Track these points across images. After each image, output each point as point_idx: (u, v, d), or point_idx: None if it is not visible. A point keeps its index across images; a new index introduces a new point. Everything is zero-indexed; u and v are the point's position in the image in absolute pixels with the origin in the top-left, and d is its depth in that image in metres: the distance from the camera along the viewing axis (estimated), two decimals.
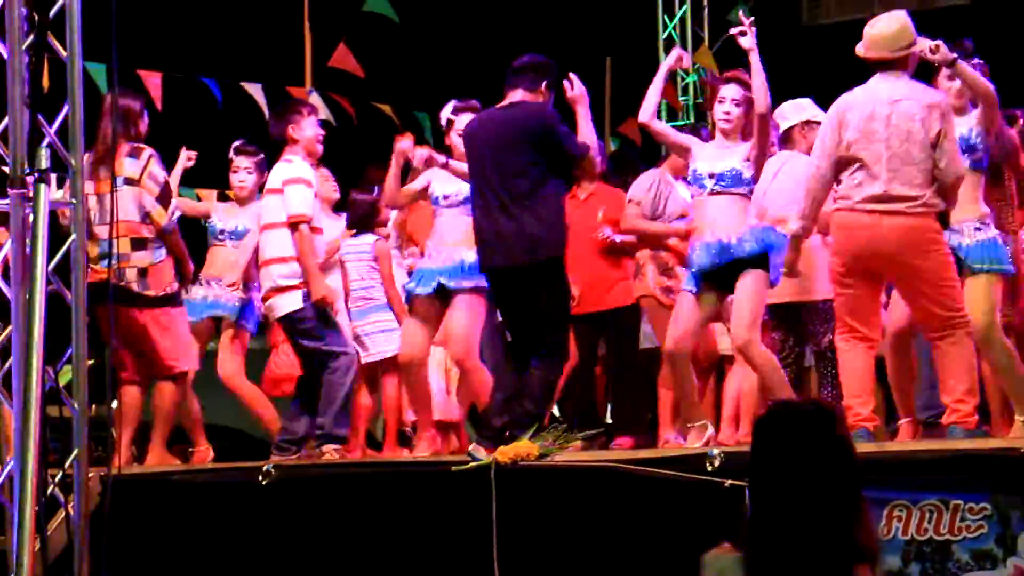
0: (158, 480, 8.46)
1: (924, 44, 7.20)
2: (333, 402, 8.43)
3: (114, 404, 8.51)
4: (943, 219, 7.11)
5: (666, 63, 8.26)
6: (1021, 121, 8.15)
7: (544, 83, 7.91)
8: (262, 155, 9.42)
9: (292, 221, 8.47)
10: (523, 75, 7.92)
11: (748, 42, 7.72)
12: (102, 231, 8.56)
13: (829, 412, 3.38)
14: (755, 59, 7.68)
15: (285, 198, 8.48)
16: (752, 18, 7.85)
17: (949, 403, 7.09)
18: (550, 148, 7.72)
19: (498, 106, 7.97)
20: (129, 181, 8.60)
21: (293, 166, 8.54)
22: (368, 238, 9.47)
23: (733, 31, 7.85)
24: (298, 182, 8.49)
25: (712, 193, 7.80)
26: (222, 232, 9.50)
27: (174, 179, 9.36)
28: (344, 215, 9.64)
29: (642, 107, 8.00)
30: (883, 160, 7.01)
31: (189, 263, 8.83)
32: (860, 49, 7.19)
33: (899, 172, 6.99)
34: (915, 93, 7.11)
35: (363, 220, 9.50)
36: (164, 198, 8.61)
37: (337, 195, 9.71)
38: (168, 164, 9.07)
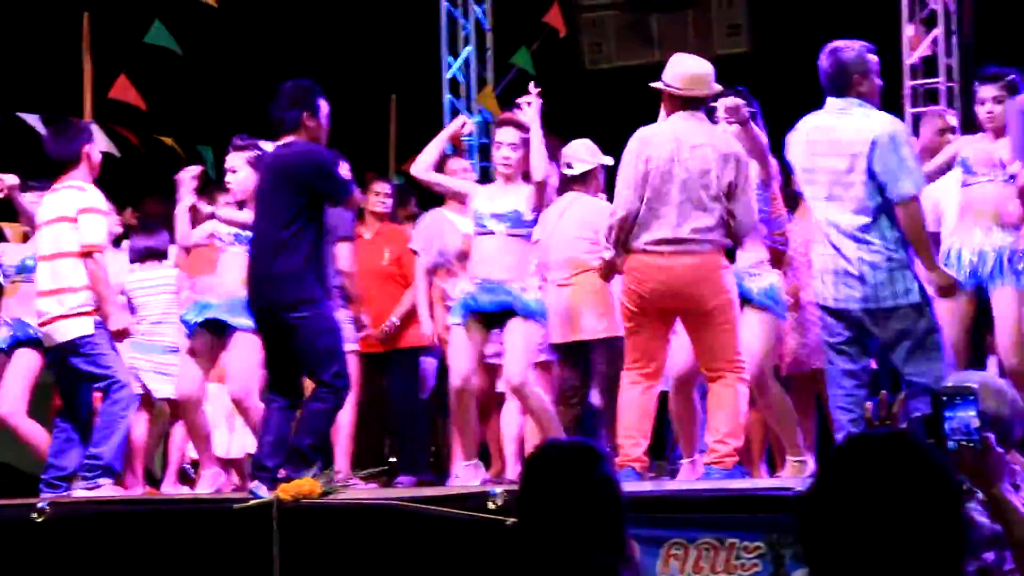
0: None
1: (725, 101, 7.34)
2: (113, 434, 8.26)
3: None
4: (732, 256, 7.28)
5: (449, 128, 8.39)
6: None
7: (305, 114, 7.84)
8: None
9: (88, 250, 8.30)
10: (287, 113, 7.84)
11: (531, 115, 7.82)
12: None
13: (592, 451, 3.46)
14: (536, 130, 7.78)
15: (81, 226, 8.28)
16: (539, 89, 7.93)
17: (710, 443, 7.24)
18: (311, 191, 7.71)
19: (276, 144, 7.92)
20: None
21: (88, 195, 8.35)
22: (167, 270, 9.33)
23: (520, 100, 7.93)
24: (94, 211, 8.32)
25: (491, 233, 7.89)
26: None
27: None
28: (123, 248, 9.48)
29: (418, 159, 8.07)
30: (675, 204, 7.12)
31: None
32: (670, 79, 7.21)
33: (690, 216, 7.10)
34: (714, 139, 7.20)
35: (152, 252, 9.35)
36: None
37: (120, 229, 9.55)
38: None
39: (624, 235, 7.18)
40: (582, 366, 8.47)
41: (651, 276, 7.13)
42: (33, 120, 11.40)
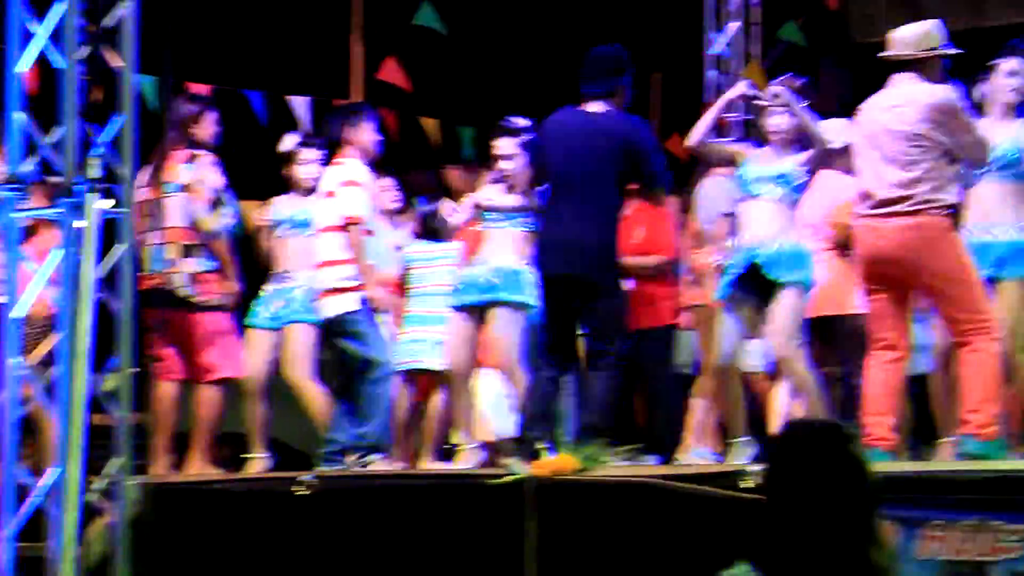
0: (196, 489, 8.50)
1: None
2: (379, 412, 8.43)
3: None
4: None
5: (729, 94, 8.26)
6: None
7: (620, 83, 7.89)
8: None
9: (346, 223, 8.47)
10: (599, 80, 7.90)
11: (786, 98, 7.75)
12: (153, 237, 8.65)
13: (842, 431, 3.40)
14: (799, 109, 7.73)
15: (339, 200, 8.48)
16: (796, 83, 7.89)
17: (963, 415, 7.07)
18: (634, 165, 7.76)
19: (580, 109, 7.95)
20: (183, 187, 8.68)
21: (346, 168, 8.54)
22: (449, 244, 9.46)
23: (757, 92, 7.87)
24: (352, 184, 8.49)
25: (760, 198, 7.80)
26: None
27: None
28: (404, 224, 9.60)
29: (693, 131, 7.98)
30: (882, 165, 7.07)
31: (230, 273, 8.81)
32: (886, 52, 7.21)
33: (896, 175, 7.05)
34: (921, 95, 7.08)
35: (434, 229, 9.49)
36: (216, 204, 8.66)
37: (397, 205, 9.67)
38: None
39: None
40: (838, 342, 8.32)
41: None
42: (300, 103, 11.66)
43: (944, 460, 7.37)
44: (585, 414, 7.78)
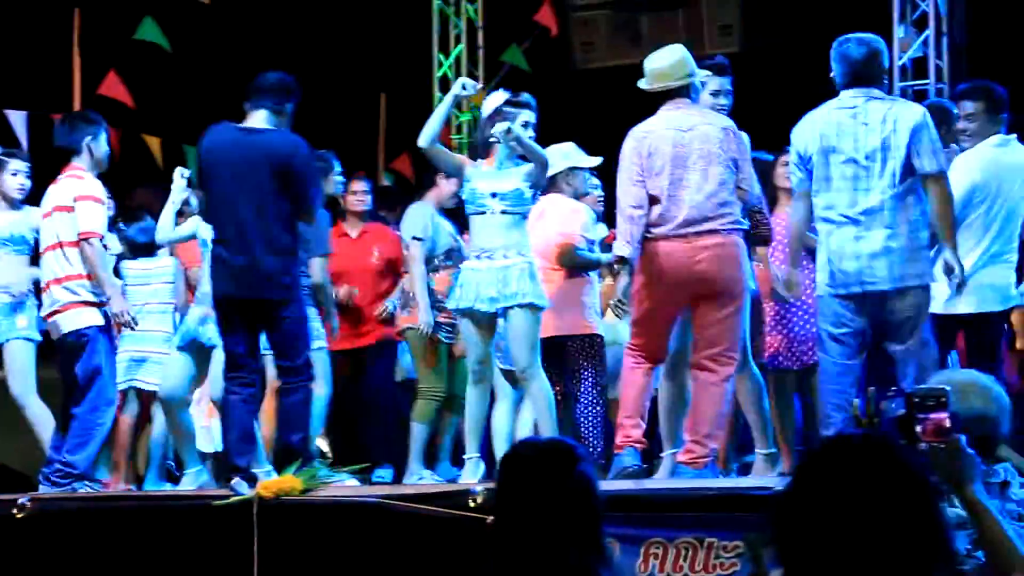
0: None
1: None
2: (89, 442, 8.12)
3: None
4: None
5: (453, 90, 8.18)
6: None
7: (288, 106, 7.85)
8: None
9: (85, 238, 8.23)
10: (268, 95, 7.82)
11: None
12: None
13: (570, 450, 3.44)
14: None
15: (78, 213, 8.24)
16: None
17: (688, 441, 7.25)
18: (295, 185, 7.68)
19: (241, 126, 7.82)
20: None
21: (85, 183, 8.30)
22: (164, 260, 9.29)
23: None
24: (91, 199, 8.28)
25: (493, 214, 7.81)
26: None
27: None
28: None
29: (423, 132, 7.92)
30: (694, 185, 7.20)
31: None
32: (644, 82, 7.36)
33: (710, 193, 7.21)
34: (708, 118, 7.32)
35: (147, 244, 9.33)
36: None
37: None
38: None
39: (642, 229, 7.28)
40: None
41: (671, 259, 7.21)
42: (17, 117, 11.36)
43: (659, 479, 7.48)
44: (283, 434, 7.68)
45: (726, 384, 7.21)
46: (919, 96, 11.53)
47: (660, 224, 7.24)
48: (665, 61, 7.37)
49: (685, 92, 7.35)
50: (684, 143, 7.22)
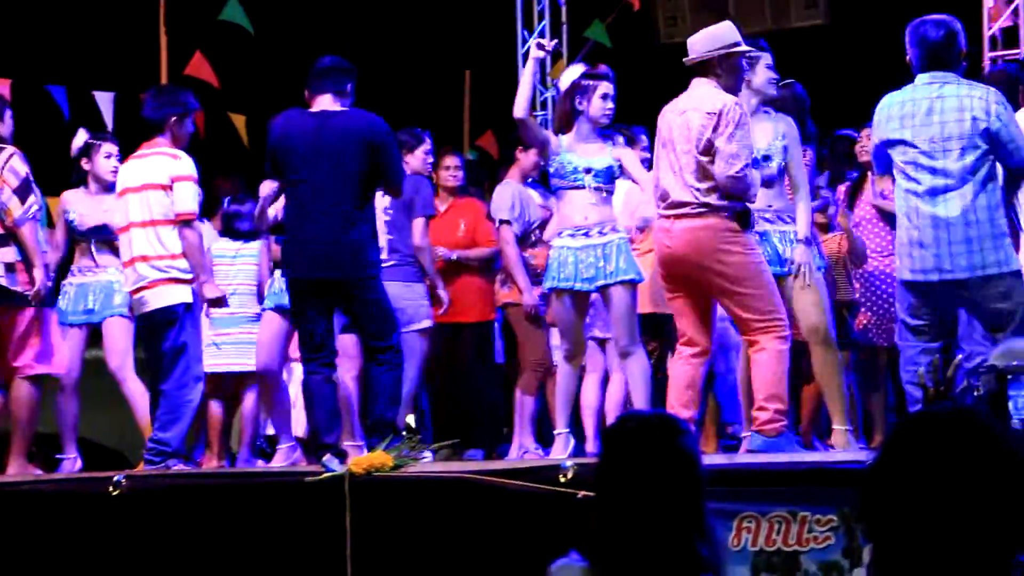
0: (10, 491, 8.29)
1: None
2: (180, 419, 8.14)
3: None
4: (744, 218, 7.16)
5: (532, 55, 8.09)
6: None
7: (349, 86, 7.86)
8: None
9: (183, 218, 8.26)
10: (328, 79, 7.83)
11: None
12: None
13: (673, 422, 3.41)
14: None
15: (176, 194, 8.26)
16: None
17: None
18: (383, 160, 7.71)
19: (313, 111, 7.84)
20: None
21: (181, 162, 8.30)
22: (254, 243, 9.32)
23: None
24: (189, 179, 8.30)
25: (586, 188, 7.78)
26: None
27: None
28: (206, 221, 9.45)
29: (516, 103, 7.85)
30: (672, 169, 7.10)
31: (36, 263, 8.44)
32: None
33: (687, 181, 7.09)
34: (704, 102, 7.05)
35: (240, 228, 9.35)
36: (22, 192, 8.37)
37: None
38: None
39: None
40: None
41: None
42: (104, 98, 11.45)
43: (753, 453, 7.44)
44: (374, 409, 7.71)
45: (766, 351, 7.01)
46: None
47: (659, 207, 7.20)
48: (702, 34, 7.17)
49: (713, 68, 7.08)
50: (676, 124, 7.05)
